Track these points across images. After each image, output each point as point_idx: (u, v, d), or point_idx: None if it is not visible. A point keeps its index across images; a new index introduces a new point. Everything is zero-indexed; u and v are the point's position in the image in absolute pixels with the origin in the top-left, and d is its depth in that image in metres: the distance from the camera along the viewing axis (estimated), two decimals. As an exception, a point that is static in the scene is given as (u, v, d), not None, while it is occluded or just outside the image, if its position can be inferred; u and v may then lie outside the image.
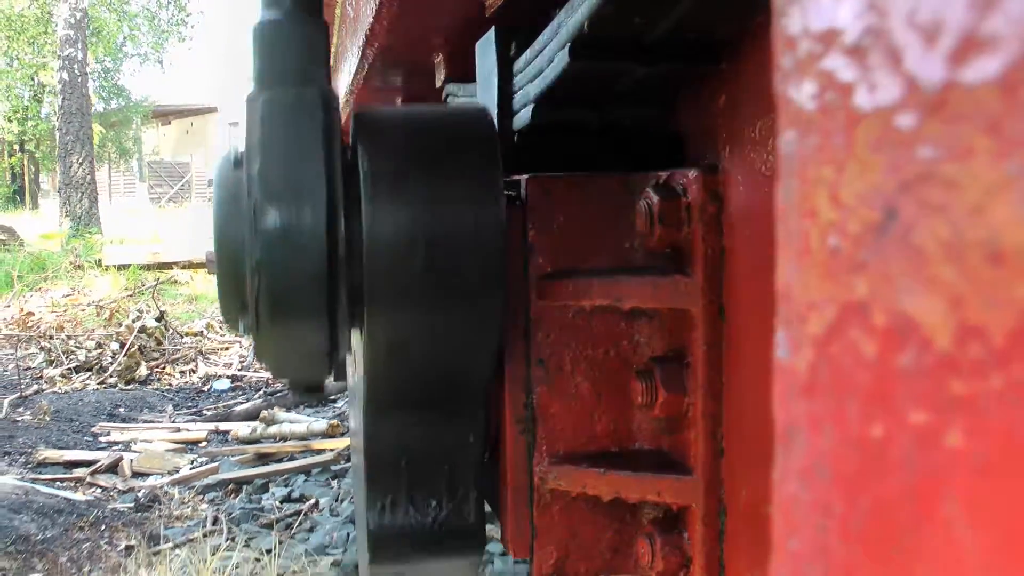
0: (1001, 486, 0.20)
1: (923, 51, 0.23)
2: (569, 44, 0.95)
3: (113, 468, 4.19)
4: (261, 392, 5.77)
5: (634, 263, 1.13)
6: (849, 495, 0.26)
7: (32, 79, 23.48)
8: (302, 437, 4.52)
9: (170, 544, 3.15)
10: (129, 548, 3.07)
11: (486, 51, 1.24)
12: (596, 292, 1.11)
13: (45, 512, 3.32)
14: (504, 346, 1.13)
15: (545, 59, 1.05)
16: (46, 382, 6.09)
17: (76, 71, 15.47)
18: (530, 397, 1.14)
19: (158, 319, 7.12)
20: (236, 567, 2.76)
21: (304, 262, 0.89)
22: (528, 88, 1.13)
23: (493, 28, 1.22)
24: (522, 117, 1.17)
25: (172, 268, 10.65)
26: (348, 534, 3.13)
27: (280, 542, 3.03)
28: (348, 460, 4.01)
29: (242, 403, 5.52)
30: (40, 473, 4.03)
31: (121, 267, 10.70)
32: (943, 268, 0.22)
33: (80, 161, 15.33)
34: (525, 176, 1.15)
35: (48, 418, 4.97)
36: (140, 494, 3.78)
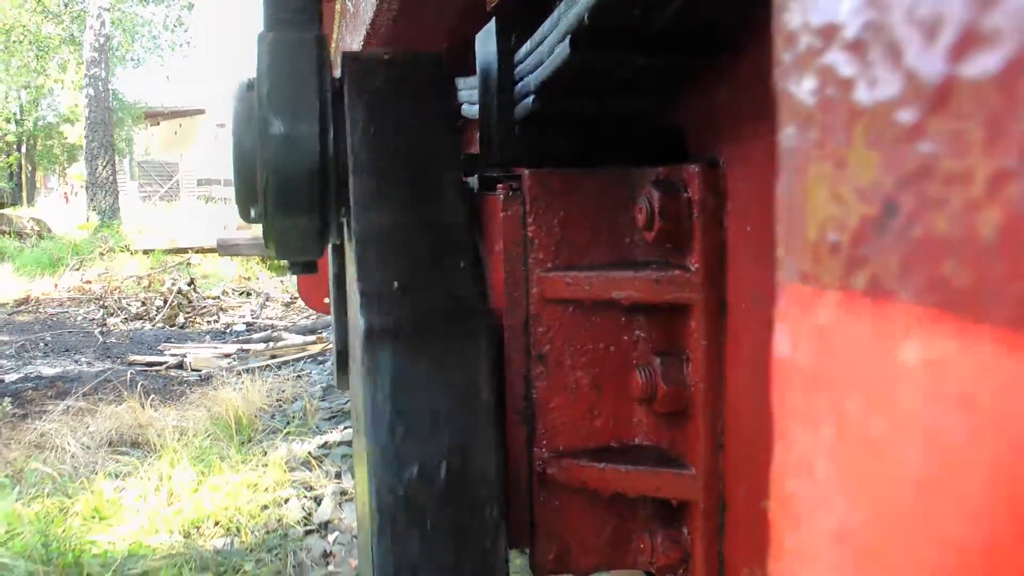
0: (1002, 481, 0.20)
1: (923, 47, 0.23)
2: (569, 35, 0.95)
3: (179, 366, 6.44)
4: (269, 330, 7.90)
5: (634, 258, 1.13)
6: (848, 490, 0.26)
7: (28, 85, 24.00)
8: (300, 347, 6.76)
9: (228, 389, 5.03)
10: (204, 392, 5.21)
11: (486, 42, 1.24)
12: (596, 287, 1.11)
13: (149, 378, 5.86)
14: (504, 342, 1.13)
15: (545, 50, 1.04)
16: (111, 327, 8.29)
17: (100, 88, 17.63)
18: (529, 391, 1.14)
19: (189, 283, 9.62)
20: (271, 389, 5.11)
21: (302, 162, 1.12)
22: (528, 79, 1.13)
23: (494, 19, 1.21)
24: (522, 108, 1.17)
25: (187, 252, 12.79)
26: (327, 376, 5.77)
27: (298, 377, 5.69)
28: (327, 353, 6.48)
29: (258, 334, 7.75)
30: (132, 368, 6.25)
31: (147, 251, 12.98)
32: (943, 262, 0.22)
33: (104, 165, 17.68)
34: (526, 170, 1.15)
35: (128, 340, 7.47)
36: (201, 375, 6.03)
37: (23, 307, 9.45)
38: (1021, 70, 0.20)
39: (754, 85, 0.97)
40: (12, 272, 11.30)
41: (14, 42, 22.02)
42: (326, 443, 4.11)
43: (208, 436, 4.13)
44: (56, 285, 10.73)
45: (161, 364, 6.43)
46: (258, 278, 11.28)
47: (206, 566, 2.66)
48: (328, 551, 2.87)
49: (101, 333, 7.87)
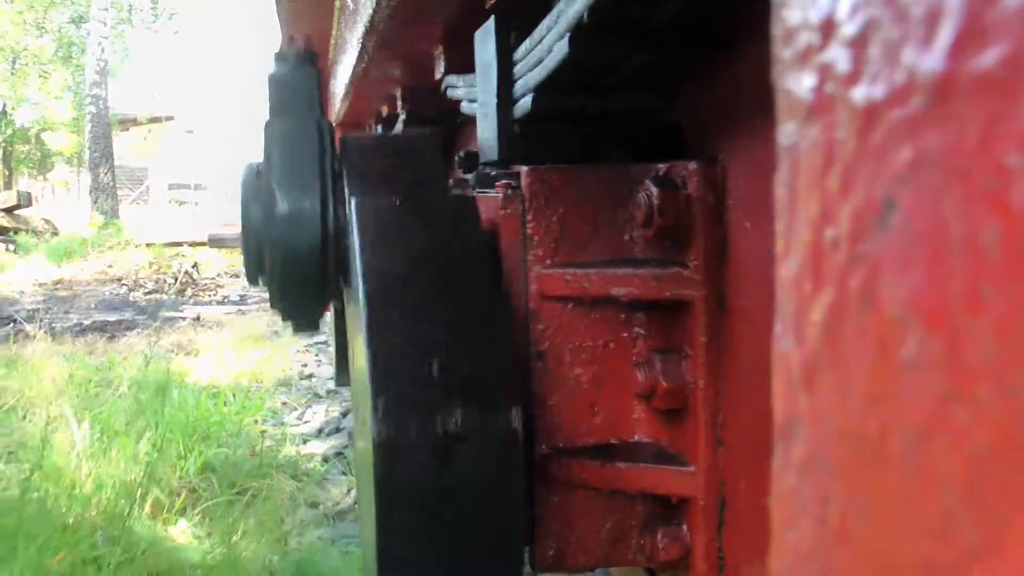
0: (1001, 480, 0.20)
1: (923, 42, 0.22)
2: (569, 33, 0.95)
3: (197, 319, 8.30)
4: (257, 299, 10.24)
5: (633, 255, 1.13)
6: (848, 488, 0.26)
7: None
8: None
9: (240, 323, 7.61)
10: (224, 326, 7.54)
11: (485, 40, 1.24)
12: (595, 284, 1.11)
13: (182, 323, 7.89)
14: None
15: (544, 48, 1.04)
16: (135, 299, 10.38)
17: (101, 106, 20.65)
18: (529, 388, 1.14)
19: (193, 266, 12.05)
20: (269, 322, 7.44)
21: (305, 239, 1.24)
22: (528, 77, 1.13)
23: (492, 17, 1.21)
24: (522, 106, 1.17)
25: (182, 244, 15.02)
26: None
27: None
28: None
29: (250, 301, 9.96)
30: (164, 319, 8.31)
31: (148, 244, 15.08)
32: (942, 259, 0.22)
33: (105, 172, 20.66)
34: (524, 167, 1.15)
35: (154, 304, 9.63)
36: (214, 323, 7.91)
37: (59, 285, 11.66)
38: (1020, 66, 0.20)
39: (753, 82, 0.97)
40: (43, 260, 13.72)
41: (22, 65, 24.23)
42: (314, 343, 6.61)
43: (238, 340, 6.64)
44: (83, 268, 13.00)
45: (185, 317, 8.55)
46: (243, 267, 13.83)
47: (248, 391, 4.92)
48: (311, 385, 5.41)
49: (132, 299, 10.40)
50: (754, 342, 1.00)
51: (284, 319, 1.43)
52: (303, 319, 1.44)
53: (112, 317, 8.57)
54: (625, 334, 1.15)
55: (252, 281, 1.42)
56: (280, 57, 1.42)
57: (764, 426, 0.93)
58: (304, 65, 1.42)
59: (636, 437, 1.16)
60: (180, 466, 3.43)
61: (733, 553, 1.06)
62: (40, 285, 11.51)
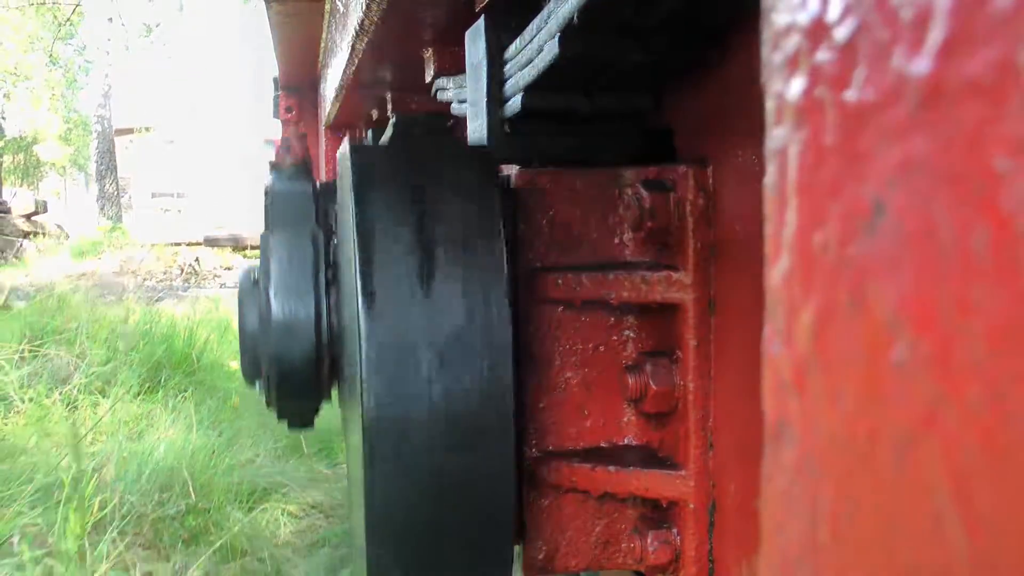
0: (991, 482, 0.20)
1: (912, 46, 0.23)
2: (559, 33, 0.95)
3: (207, 298, 10.12)
4: None
5: (624, 258, 1.13)
6: (838, 490, 0.26)
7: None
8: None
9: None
10: (228, 303, 9.29)
11: (475, 40, 1.24)
12: (586, 287, 1.11)
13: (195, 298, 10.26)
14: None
15: (535, 48, 1.04)
16: (150, 285, 12.63)
17: (106, 124, 23.47)
18: (519, 391, 1.14)
19: (195, 260, 14.48)
20: None
21: (299, 348, 1.31)
22: (518, 77, 1.12)
23: (483, 17, 1.21)
24: (511, 106, 1.17)
25: (180, 245, 16.90)
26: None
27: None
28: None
29: None
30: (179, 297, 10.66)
31: (152, 244, 17.07)
32: (932, 263, 0.22)
33: (110, 183, 23.52)
34: (515, 169, 1.15)
35: (168, 288, 12.00)
36: (220, 300, 9.80)
37: (84, 277, 13.52)
38: (1008, 71, 0.20)
39: (743, 85, 0.97)
40: (67, 258, 15.73)
41: (33, 88, 26.23)
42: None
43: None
44: (100, 264, 15.15)
45: (194, 298, 10.36)
46: (234, 261, 16.65)
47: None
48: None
49: (149, 286, 12.80)
50: (744, 345, 1.00)
51: (279, 418, 1.51)
52: (298, 419, 1.54)
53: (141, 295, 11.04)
54: (615, 337, 1.15)
55: (249, 382, 1.47)
56: (275, 167, 1.49)
57: (754, 429, 0.93)
58: (299, 177, 1.49)
59: (626, 440, 1.16)
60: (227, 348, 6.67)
61: (723, 556, 1.06)
62: (67, 277, 13.31)
